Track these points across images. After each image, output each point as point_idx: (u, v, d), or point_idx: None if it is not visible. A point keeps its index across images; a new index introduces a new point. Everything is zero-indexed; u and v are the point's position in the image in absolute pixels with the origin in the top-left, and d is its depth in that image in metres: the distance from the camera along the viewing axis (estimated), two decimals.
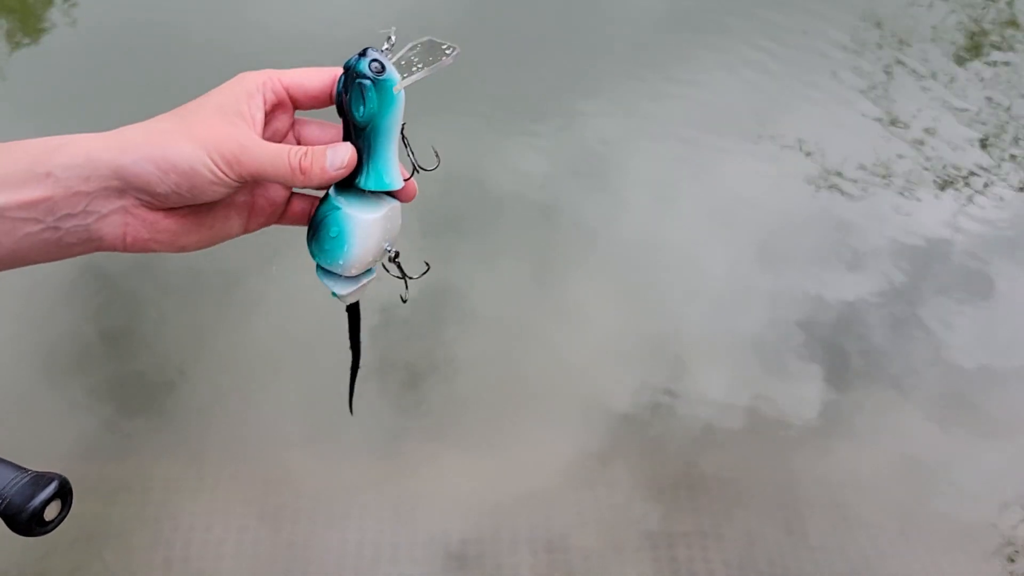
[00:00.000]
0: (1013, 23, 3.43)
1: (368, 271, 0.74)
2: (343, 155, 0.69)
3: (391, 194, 0.72)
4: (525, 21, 3.16)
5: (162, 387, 2.42)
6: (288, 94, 0.71)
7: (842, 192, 2.90)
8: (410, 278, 0.77)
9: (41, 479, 0.60)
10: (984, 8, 3.47)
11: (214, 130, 0.65)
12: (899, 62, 3.25)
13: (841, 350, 2.57)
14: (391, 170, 0.70)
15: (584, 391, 2.47)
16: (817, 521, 2.27)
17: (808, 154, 2.98)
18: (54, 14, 3.31)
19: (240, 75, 0.70)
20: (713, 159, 2.96)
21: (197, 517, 2.18)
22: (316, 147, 0.69)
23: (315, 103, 0.72)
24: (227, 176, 0.65)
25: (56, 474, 0.61)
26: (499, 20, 3.20)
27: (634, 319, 2.61)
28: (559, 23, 3.26)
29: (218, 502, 2.22)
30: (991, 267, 2.77)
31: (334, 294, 0.75)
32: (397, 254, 0.73)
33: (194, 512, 2.19)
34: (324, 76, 0.71)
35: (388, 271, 0.76)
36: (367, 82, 0.67)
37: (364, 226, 0.70)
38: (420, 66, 0.69)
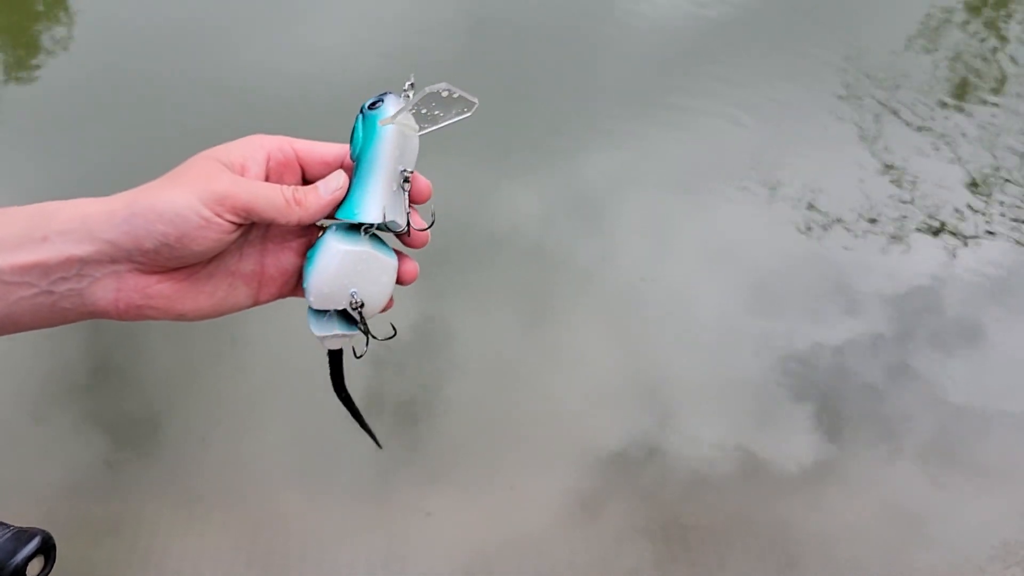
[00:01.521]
0: (1001, 71, 3.46)
1: (349, 325, 0.72)
2: (336, 180, 0.69)
3: (401, 239, 0.72)
4: (520, 62, 3.19)
5: (151, 425, 2.40)
6: (298, 157, 0.70)
7: (834, 237, 2.92)
8: (371, 335, 0.74)
9: (23, 535, 0.59)
10: (972, 57, 3.50)
11: (203, 175, 0.64)
12: (889, 109, 3.28)
13: (833, 396, 2.57)
14: (366, 202, 0.68)
15: (576, 434, 2.46)
16: (809, 569, 2.26)
17: (800, 199, 3.00)
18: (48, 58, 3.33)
19: (251, 136, 0.69)
20: (706, 203, 2.97)
21: (186, 560, 2.16)
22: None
23: (325, 169, 0.71)
24: (217, 217, 0.64)
25: (39, 529, 0.60)
26: (494, 61, 3.22)
27: (626, 362, 2.61)
28: (554, 64, 3.29)
29: (207, 545, 2.20)
30: (982, 313, 2.78)
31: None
32: (362, 304, 0.70)
33: (183, 555, 2.17)
34: (337, 148, 0.71)
35: (356, 323, 0.72)
36: (359, 115, 0.68)
37: (328, 253, 0.68)
38: (440, 116, 0.70)
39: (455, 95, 0.69)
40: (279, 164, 0.70)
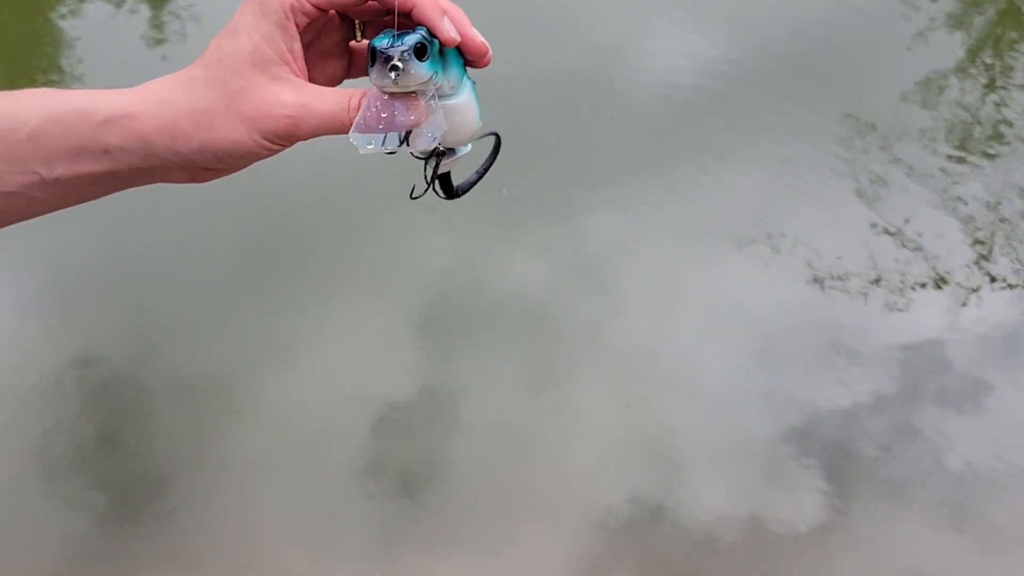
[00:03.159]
0: (1003, 123, 3.49)
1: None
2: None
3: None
4: (524, 124, 3.22)
5: (155, 489, 2.39)
6: (318, 8, 0.67)
7: (838, 295, 2.92)
8: (434, 188, 0.73)
9: None
10: (976, 109, 3.53)
11: (263, 103, 0.65)
12: (890, 164, 3.29)
13: (840, 456, 2.55)
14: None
15: (583, 496, 2.45)
16: None
17: (803, 257, 3.00)
18: None
19: (257, 4, 0.66)
20: (710, 262, 2.98)
21: None
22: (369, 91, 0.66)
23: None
24: (282, 147, 0.66)
25: None
26: (497, 122, 3.25)
27: (632, 422, 2.60)
28: (558, 126, 3.33)
29: None
30: (988, 369, 2.77)
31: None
32: (440, 155, 0.70)
33: None
34: None
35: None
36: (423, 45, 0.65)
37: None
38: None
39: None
40: (313, 24, 0.68)
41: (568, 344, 2.75)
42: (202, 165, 0.67)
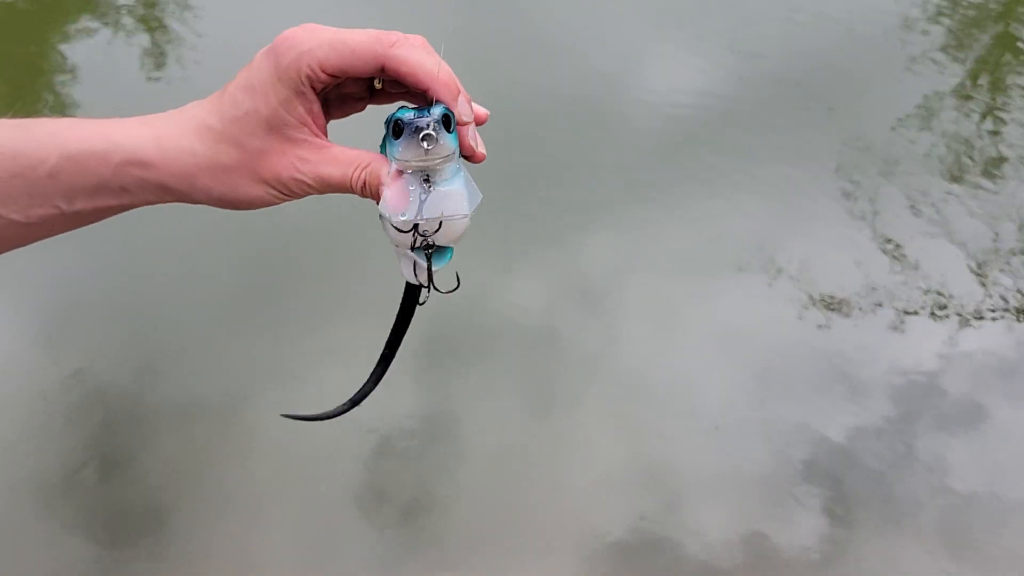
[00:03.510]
0: (1002, 147, 3.50)
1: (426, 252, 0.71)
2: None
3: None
4: (523, 148, 3.22)
5: (154, 516, 2.38)
6: (333, 76, 0.68)
7: (837, 320, 2.92)
8: (433, 287, 0.74)
9: None
10: (974, 134, 3.55)
11: (279, 165, 0.68)
12: (891, 187, 3.30)
13: (840, 483, 2.54)
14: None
15: (584, 522, 2.44)
16: None
17: (803, 283, 3.00)
18: None
19: (274, 65, 0.67)
20: (710, 287, 2.99)
21: None
22: (374, 163, 0.69)
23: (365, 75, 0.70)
24: (291, 196, 0.70)
25: None
26: (498, 148, 3.26)
27: (633, 449, 2.59)
28: (557, 151, 3.33)
29: None
30: (988, 396, 2.76)
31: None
32: (430, 247, 0.70)
33: None
34: (364, 50, 0.67)
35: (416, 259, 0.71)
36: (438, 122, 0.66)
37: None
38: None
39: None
40: (328, 84, 0.68)
41: (568, 370, 2.75)
42: (217, 207, 0.70)
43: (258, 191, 0.68)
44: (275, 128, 0.67)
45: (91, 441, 2.52)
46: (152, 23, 3.67)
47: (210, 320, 2.81)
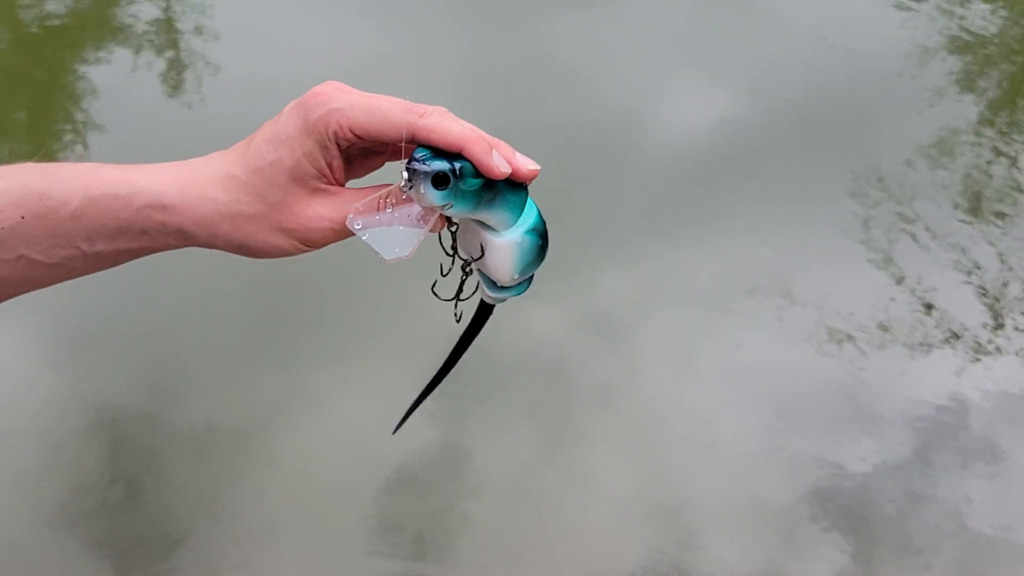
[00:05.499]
0: (1018, 181, 3.49)
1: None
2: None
3: None
4: (539, 182, 3.24)
5: (168, 544, 2.38)
6: (359, 138, 0.70)
7: (855, 355, 2.91)
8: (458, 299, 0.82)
9: None
10: (990, 169, 3.54)
11: (302, 216, 0.69)
12: (906, 221, 3.29)
13: (858, 520, 2.52)
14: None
15: (598, 557, 2.43)
16: None
17: (820, 317, 3.00)
18: None
19: (302, 118, 0.68)
20: (726, 321, 2.98)
21: None
22: (392, 190, 0.71)
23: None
24: (313, 248, 0.72)
25: None
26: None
27: (648, 483, 2.58)
28: (573, 184, 3.34)
29: None
30: (1007, 432, 2.74)
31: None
32: (468, 269, 0.80)
33: None
34: (396, 118, 0.68)
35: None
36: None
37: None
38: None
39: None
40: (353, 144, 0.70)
41: (583, 403, 2.74)
42: (237, 255, 0.72)
43: (278, 240, 0.69)
44: (298, 179, 0.68)
45: (105, 468, 2.52)
46: (172, 50, 3.71)
47: (226, 348, 2.82)
